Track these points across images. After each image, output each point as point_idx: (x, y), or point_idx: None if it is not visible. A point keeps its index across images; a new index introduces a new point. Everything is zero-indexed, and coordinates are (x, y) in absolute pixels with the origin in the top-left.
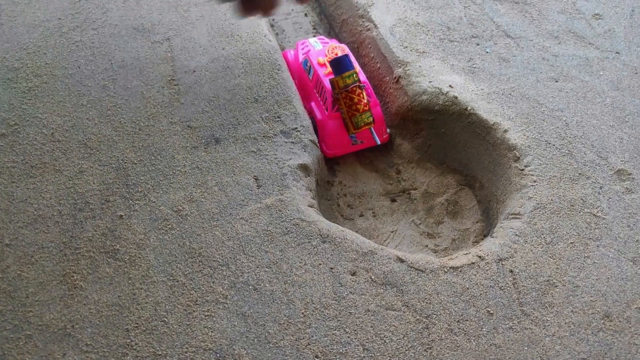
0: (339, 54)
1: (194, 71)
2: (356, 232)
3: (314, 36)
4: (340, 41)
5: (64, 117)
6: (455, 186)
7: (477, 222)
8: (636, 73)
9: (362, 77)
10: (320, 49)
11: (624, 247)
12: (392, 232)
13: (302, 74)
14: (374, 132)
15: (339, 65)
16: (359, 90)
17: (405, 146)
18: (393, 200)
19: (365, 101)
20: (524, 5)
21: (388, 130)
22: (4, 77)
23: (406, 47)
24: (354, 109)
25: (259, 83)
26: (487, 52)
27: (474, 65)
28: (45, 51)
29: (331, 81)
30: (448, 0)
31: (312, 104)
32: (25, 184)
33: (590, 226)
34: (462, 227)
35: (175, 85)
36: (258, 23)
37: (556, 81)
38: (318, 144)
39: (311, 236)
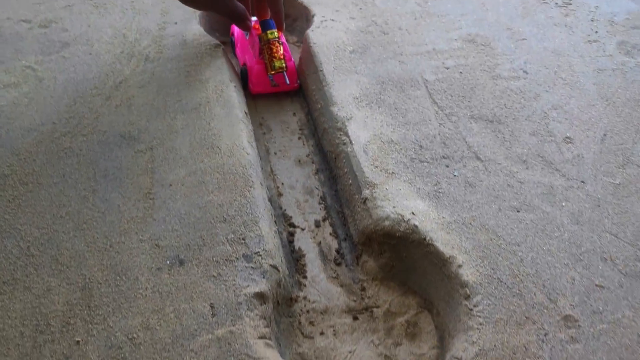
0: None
1: (171, 185)
2: (314, 351)
3: (299, 138)
4: (321, 148)
5: (41, 230)
6: (416, 308)
7: (433, 347)
8: (598, 205)
9: (282, 39)
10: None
11: None
12: (350, 352)
13: (243, 39)
14: (286, 75)
15: (266, 24)
16: (277, 44)
17: (370, 263)
18: (355, 318)
19: (281, 53)
20: (498, 125)
21: (299, 81)
22: None
23: (377, 167)
24: (272, 55)
25: (229, 201)
26: (454, 175)
27: (440, 190)
28: (36, 157)
29: (259, 35)
30: (425, 116)
31: (246, 56)
32: None
33: None
34: (418, 351)
35: (151, 199)
36: (239, 134)
37: (518, 211)
38: (278, 267)
39: None
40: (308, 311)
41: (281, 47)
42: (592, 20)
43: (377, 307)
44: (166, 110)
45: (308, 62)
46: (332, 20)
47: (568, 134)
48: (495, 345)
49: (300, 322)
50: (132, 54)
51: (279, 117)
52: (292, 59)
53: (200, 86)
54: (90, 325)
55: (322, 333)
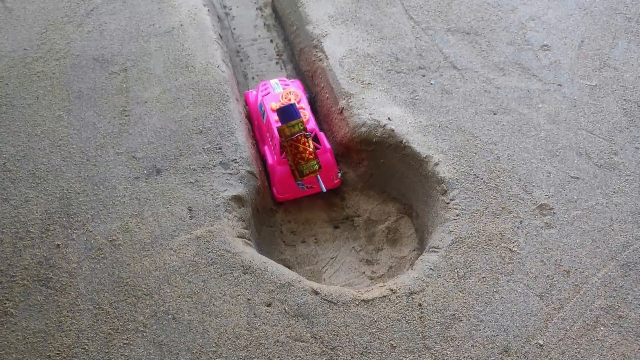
0: (291, 100)
1: (146, 102)
2: (296, 258)
3: (277, 63)
4: (299, 68)
5: (17, 147)
6: (396, 214)
7: (413, 250)
8: (575, 106)
9: (312, 124)
10: (276, 94)
11: (533, 282)
12: (332, 258)
13: (259, 116)
14: (320, 179)
15: (285, 114)
16: (304, 139)
17: (349, 174)
18: (336, 227)
19: (311, 149)
20: (475, 36)
21: (340, 174)
22: None
23: (353, 79)
24: (299, 157)
25: (205, 114)
26: (431, 83)
27: (416, 97)
28: (8, 82)
29: (278, 129)
30: (401, 30)
31: (265, 147)
32: None
33: (504, 261)
34: (399, 254)
35: (126, 116)
36: (213, 53)
37: (494, 114)
38: (256, 174)
39: (234, 267)
40: (289, 221)
41: (309, 142)
42: None
43: (358, 216)
44: (139, 34)
45: None
46: None
47: (545, 42)
48: (471, 234)
49: (282, 232)
50: None
51: (255, 45)
52: (328, 148)
53: (173, 11)
54: (69, 231)
55: (303, 241)
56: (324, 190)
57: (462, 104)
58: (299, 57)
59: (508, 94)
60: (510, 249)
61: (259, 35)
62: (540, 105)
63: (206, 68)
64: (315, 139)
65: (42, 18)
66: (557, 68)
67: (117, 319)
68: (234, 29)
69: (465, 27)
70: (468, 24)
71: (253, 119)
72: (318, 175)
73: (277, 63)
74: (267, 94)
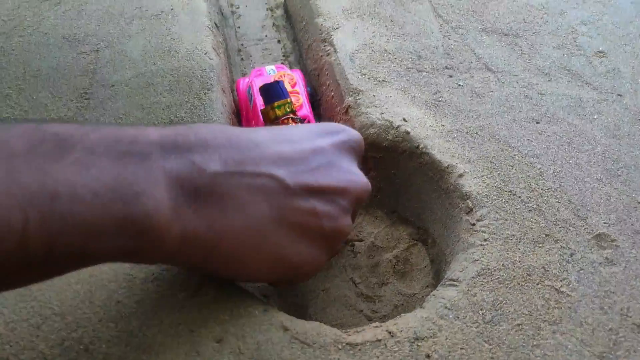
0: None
1: (112, 85)
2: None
3: (282, 64)
4: (306, 69)
5: None
6: (408, 240)
7: (427, 286)
8: (639, 120)
9: (305, 110)
10: (269, 76)
11: (590, 336)
12: (323, 290)
13: (247, 103)
14: None
15: (269, 92)
16: (292, 123)
17: None
18: None
19: None
20: (515, 38)
21: None
22: None
23: (364, 75)
24: None
25: (180, 103)
26: (459, 85)
27: (440, 99)
28: None
29: (261, 112)
30: (426, 27)
31: None
32: None
33: (549, 304)
34: (409, 291)
35: (86, 99)
36: (203, 39)
37: (537, 122)
38: None
39: (182, 285)
40: None
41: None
42: None
43: (360, 240)
44: (122, 15)
45: None
46: None
47: (601, 49)
48: (503, 265)
49: None
50: None
51: (260, 45)
52: None
53: None
54: None
55: None
56: None
57: (496, 109)
58: (306, 55)
59: (555, 102)
60: (557, 289)
61: (266, 36)
62: (595, 117)
63: (191, 54)
64: None
65: None
66: (615, 77)
67: (11, 345)
68: (239, 27)
69: (504, 28)
70: (507, 25)
71: (242, 108)
72: None
73: (282, 63)
74: (258, 77)
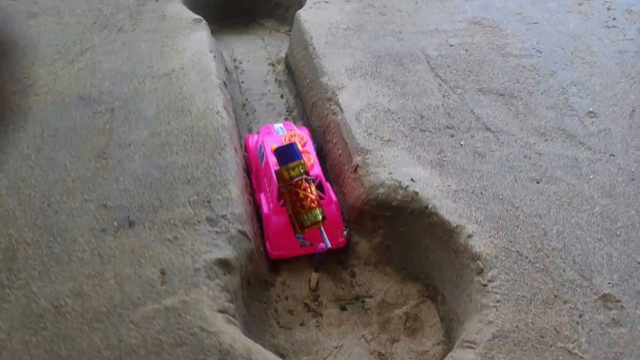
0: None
1: (129, 145)
2: (292, 344)
3: (286, 119)
4: (310, 125)
5: None
6: (417, 297)
7: (437, 343)
8: (633, 179)
9: (317, 170)
10: (278, 136)
11: None
12: (337, 348)
13: (257, 161)
14: (324, 232)
15: (283, 154)
16: (305, 184)
17: (362, 245)
18: (343, 309)
19: (314, 197)
20: (510, 98)
21: (345, 232)
22: None
23: (370, 134)
24: (299, 205)
25: (196, 162)
26: (461, 144)
27: (444, 159)
28: None
29: (276, 172)
30: (426, 87)
31: (262, 195)
32: None
33: None
34: (420, 348)
35: (104, 159)
36: (214, 99)
37: (537, 182)
38: (249, 236)
39: (208, 351)
40: (287, 298)
41: (312, 188)
42: (608, 9)
43: (370, 296)
44: (135, 75)
45: (297, 40)
46: (326, 2)
47: (591, 109)
48: (517, 327)
49: (276, 310)
50: (105, 25)
51: (264, 99)
52: (334, 199)
53: (176, 55)
54: (8, 290)
55: (302, 324)
56: (329, 246)
57: (498, 169)
58: (310, 111)
59: (552, 162)
60: (569, 351)
61: (269, 90)
62: (591, 176)
63: (203, 113)
64: (320, 188)
65: (31, 54)
66: (607, 137)
67: None
68: (242, 82)
69: (499, 88)
70: (502, 85)
71: (252, 165)
72: (322, 228)
73: (286, 119)
74: (268, 135)
